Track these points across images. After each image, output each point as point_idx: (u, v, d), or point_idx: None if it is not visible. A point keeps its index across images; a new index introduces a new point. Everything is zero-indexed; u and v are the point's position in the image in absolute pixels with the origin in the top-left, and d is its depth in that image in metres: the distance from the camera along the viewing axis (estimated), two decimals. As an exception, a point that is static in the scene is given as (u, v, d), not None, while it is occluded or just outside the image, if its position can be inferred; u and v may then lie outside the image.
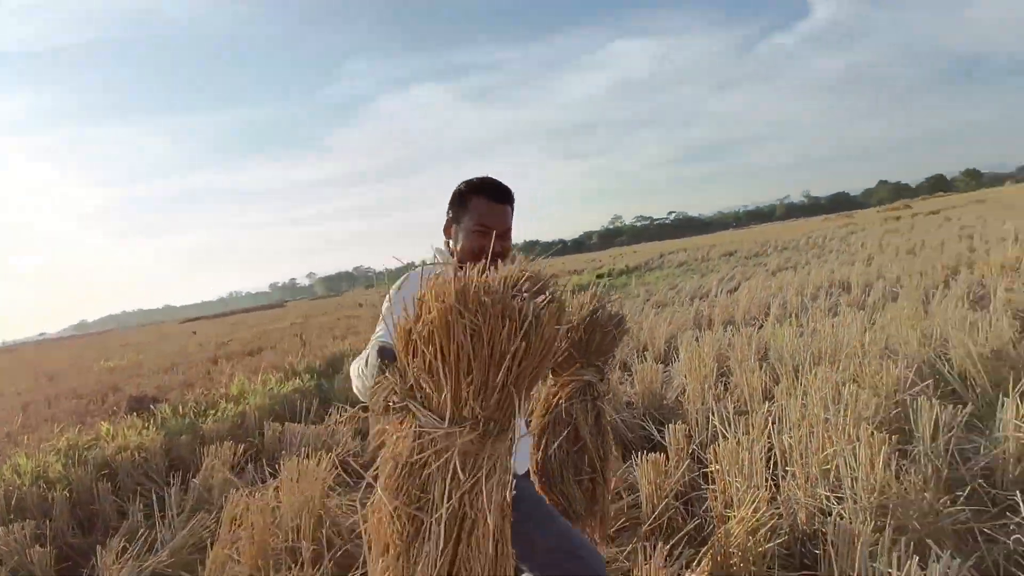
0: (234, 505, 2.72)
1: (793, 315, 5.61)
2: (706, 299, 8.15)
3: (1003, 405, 2.47)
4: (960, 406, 3.02)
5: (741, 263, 15.48)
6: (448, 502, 0.92)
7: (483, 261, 1.56)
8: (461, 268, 1.50)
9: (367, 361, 1.14)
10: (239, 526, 2.67)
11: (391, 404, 0.99)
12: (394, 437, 0.99)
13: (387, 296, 1.43)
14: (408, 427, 0.97)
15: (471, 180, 1.50)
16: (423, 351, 0.95)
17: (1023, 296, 4.89)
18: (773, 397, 3.18)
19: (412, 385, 0.98)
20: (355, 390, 1.27)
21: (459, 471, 0.92)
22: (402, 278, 1.50)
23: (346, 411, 4.59)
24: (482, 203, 1.47)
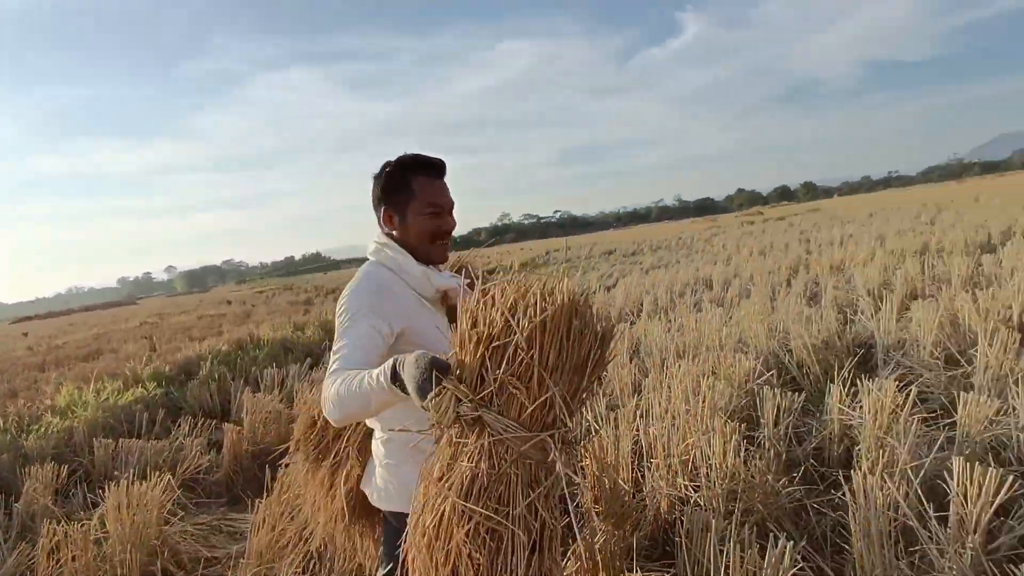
0: (49, 537, 2.30)
1: (663, 311, 5.97)
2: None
3: (829, 391, 2.76)
4: (797, 393, 3.35)
5: (619, 261, 16.37)
6: (533, 512, 0.92)
7: (447, 241, 1.39)
8: (417, 256, 1.35)
9: (377, 379, 1.02)
10: (58, 562, 2.28)
11: (462, 416, 0.94)
12: (467, 449, 0.95)
13: (344, 297, 1.28)
14: (479, 439, 0.94)
15: (403, 158, 1.35)
16: (520, 357, 0.92)
17: (846, 293, 5.60)
18: (642, 391, 3.31)
19: (485, 395, 0.94)
20: (333, 410, 1.12)
21: (540, 478, 0.93)
22: (359, 276, 1.33)
23: (199, 421, 4.14)
24: (427, 181, 1.35)
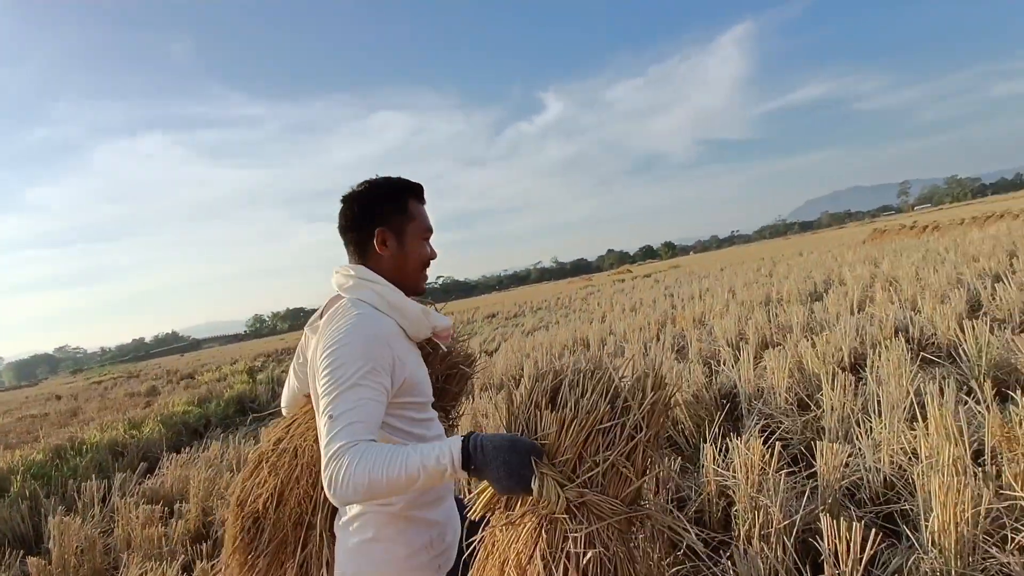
0: None
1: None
2: (469, 362, 8.27)
3: (703, 449, 2.76)
4: (675, 453, 3.34)
5: (502, 324, 16.48)
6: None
7: (425, 272, 1.27)
8: (405, 287, 1.20)
9: (438, 460, 0.92)
10: None
11: (571, 501, 0.90)
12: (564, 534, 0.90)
13: (335, 347, 1.05)
14: (578, 523, 0.90)
15: (392, 179, 1.22)
16: (632, 437, 0.93)
17: (708, 344, 5.96)
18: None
19: (588, 478, 0.93)
20: (354, 493, 0.92)
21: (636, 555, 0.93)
22: (351, 322, 1.08)
23: (6, 553, 3.21)
24: (418, 205, 1.24)
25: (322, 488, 0.95)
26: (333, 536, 1.22)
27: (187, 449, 5.75)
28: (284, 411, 1.42)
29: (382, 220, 1.19)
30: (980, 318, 4.48)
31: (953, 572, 1.66)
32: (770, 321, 6.19)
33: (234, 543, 1.27)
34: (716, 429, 3.04)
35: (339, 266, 1.22)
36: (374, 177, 1.22)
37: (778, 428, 3.38)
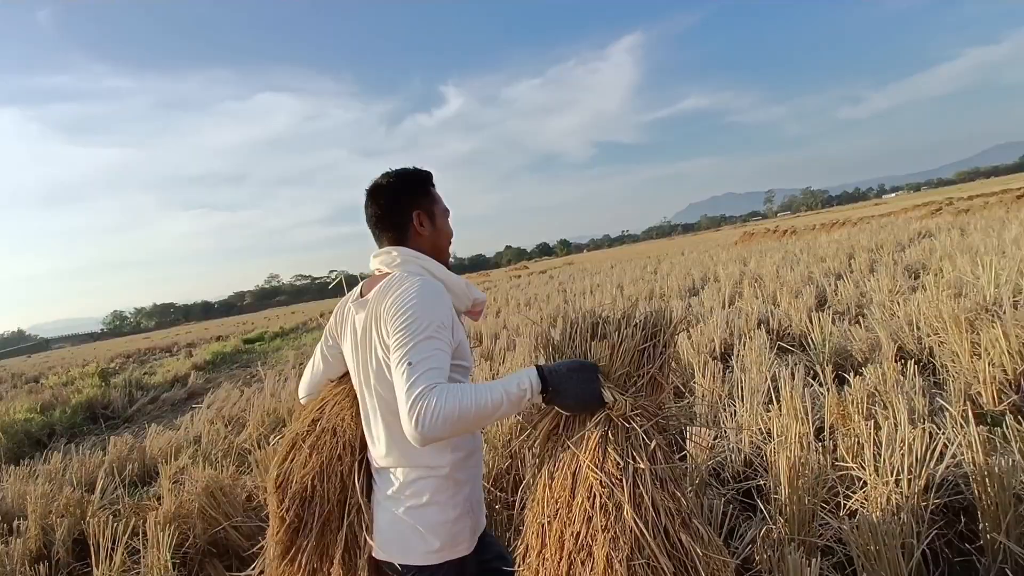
0: None
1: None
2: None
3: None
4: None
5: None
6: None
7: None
8: (441, 262, 1.31)
9: (519, 386, 1.07)
10: None
11: (632, 407, 1.09)
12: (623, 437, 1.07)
13: (409, 307, 1.14)
14: (640, 424, 1.08)
15: (412, 169, 1.35)
16: (662, 355, 1.17)
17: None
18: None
19: (637, 388, 1.12)
20: (443, 426, 1.01)
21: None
22: (419, 289, 1.17)
23: None
24: (436, 190, 1.38)
25: (360, 464, 1.14)
26: (369, 509, 1.30)
27: (27, 461, 5.14)
28: (303, 397, 1.46)
29: (417, 204, 1.31)
30: (825, 311, 5.04)
31: (795, 539, 1.82)
32: (652, 315, 6.58)
33: (283, 527, 1.29)
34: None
35: (378, 251, 1.31)
36: (391, 170, 1.33)
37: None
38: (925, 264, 6.89)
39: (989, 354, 3.29)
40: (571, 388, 1.08)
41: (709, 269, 11.74)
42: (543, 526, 1.08)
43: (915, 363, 3.38)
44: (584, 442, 1.08)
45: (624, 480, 1.02)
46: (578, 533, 1.02)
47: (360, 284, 1.34)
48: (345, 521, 1.29)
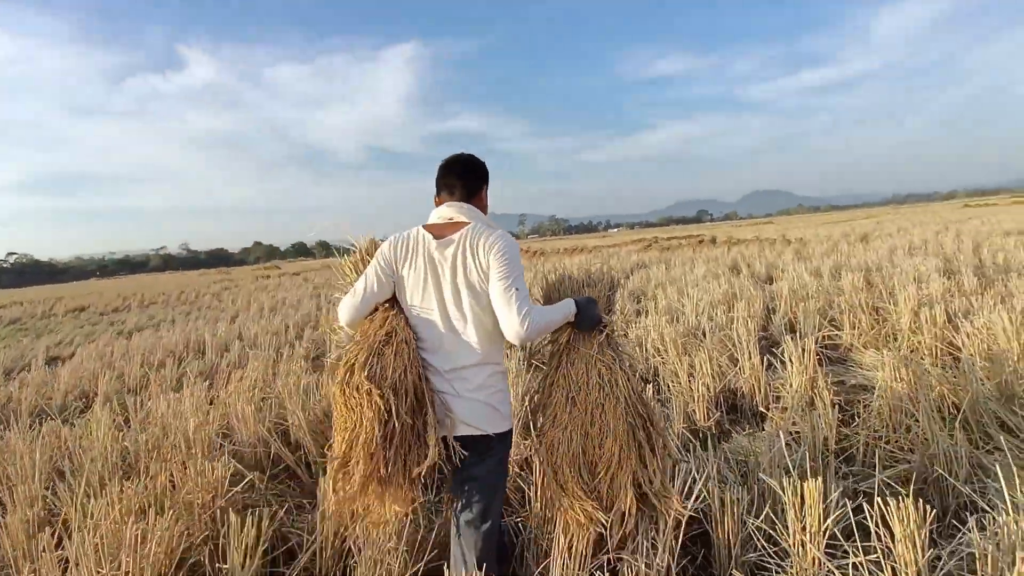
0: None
1: (132, 393, 4.51)
2: (29, 373, 5.83)
3: (321, 485, 2.30)
4: (292, 489, 2.77)
5: (93, 321, 12.75)
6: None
7: None
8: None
9: (564, 313, 1.68)
10: None
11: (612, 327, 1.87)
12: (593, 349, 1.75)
13: (509, 250, 1.61)
14: (614, 346, 1.83)
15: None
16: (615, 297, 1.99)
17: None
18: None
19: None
20: (535, 331, 1.55)
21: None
22: (510, 240, 1.65)
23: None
24: None
25: (425, 366, 1.61)
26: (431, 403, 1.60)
27: None
28: (350, 319, 1.71)
29: (486, 182, 1.82)
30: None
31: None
32: (411, 328, 6.25)
33: (375, 412, 1.49)
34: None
35: (449, 204, 1.70)
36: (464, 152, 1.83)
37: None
38: (644, 291, 8.02)
39: (701, 373, 3.76)
40: (589, 313, 1.71)
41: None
42: (571, 396, 1.68)
43: (643, 381, 3.69)
44: (593, 345, 1.72)
45: (618, 365, 1.70)
46: (593, 396, 1.65)
47: (422, 228, 1.70)
48: (428, 407, 1.57)
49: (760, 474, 1.86)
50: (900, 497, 1.46)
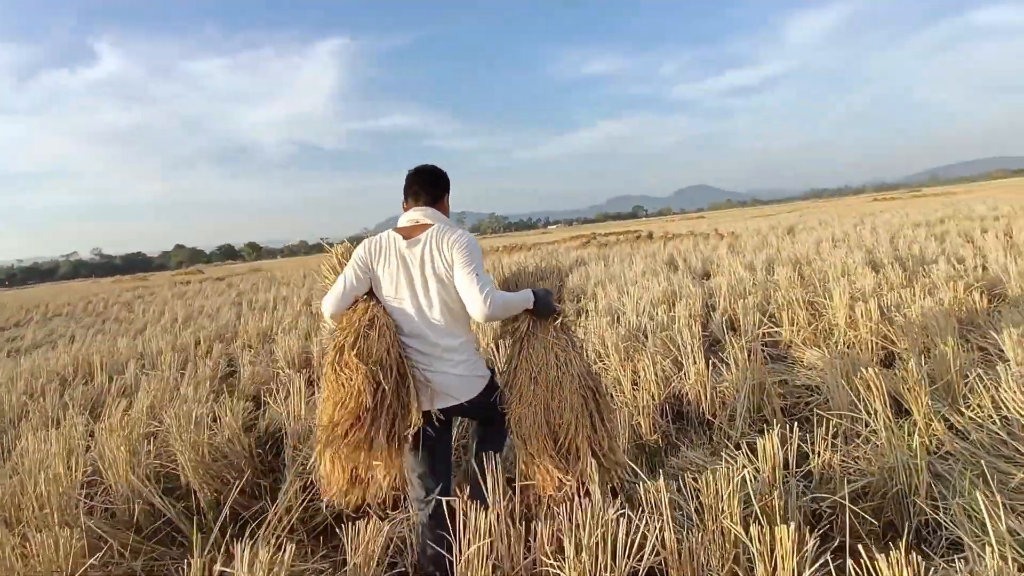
0: None
1: (12, 428, 3.83)
2: None
3: (212, 545, 1.88)
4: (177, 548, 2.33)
5: (-22, 338, 11.29)
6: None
7: None
8: None
9: (525, 298, 1.96)
10: None
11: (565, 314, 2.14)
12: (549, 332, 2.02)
13: (470, 243, 1.89)
14: (567, 331, 2.08)
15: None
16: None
17: (267, 368, 5.07)
18: None
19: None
20: (498, 312, 1.83)
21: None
22: (469, 236, 1.92)
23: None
24: None
25: (405, 348, 1.85)
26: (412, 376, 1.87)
27: None
28: (332, 311, 1.92)
29: (447, 190, 2.09)
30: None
31: None
32: (337, 338, 5.76)
33: (366, 384, 1.72)
34: (242, 499, 2.22)
35: (416, 209, 1.98)
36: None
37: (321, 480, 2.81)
38: (584, 289, 7.85)
39: (645, 381, 3.55)
40: (546, 302, 1.99)
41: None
42: (533, 376, 1.91)
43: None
44: (549, 330, 2.00)
45: (571, 347, 1.99)
46: (552, 374, 1.91)
47: (392, 231, 1.95)
48: (410, 380, 1.83)
49: (723, 520, 1.61)
50: (889, 551, 1.24)
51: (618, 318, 5.30)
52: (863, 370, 2.47)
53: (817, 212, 29.34)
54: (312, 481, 2.78)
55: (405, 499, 2.33)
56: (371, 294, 1.95)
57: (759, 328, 4.65)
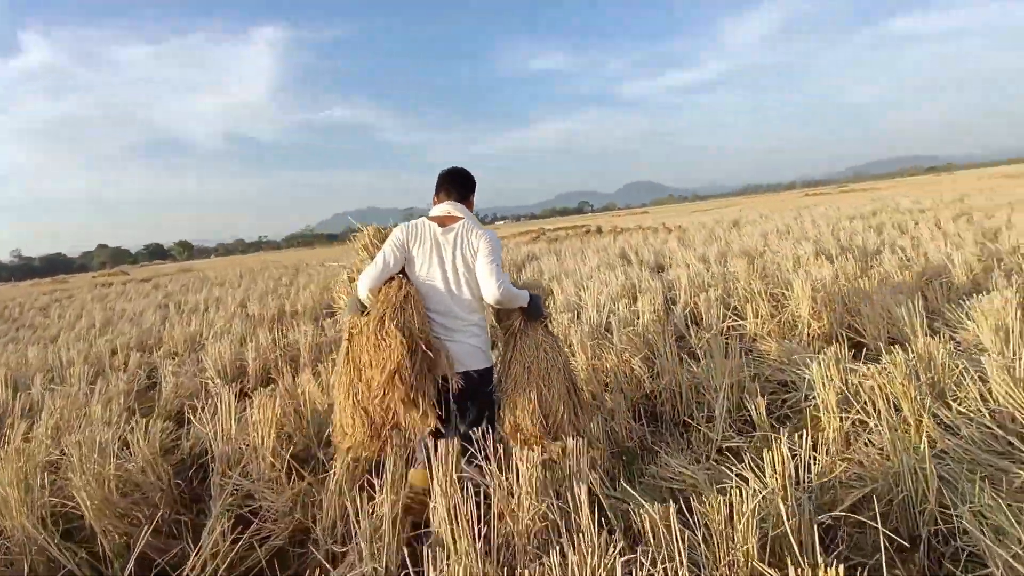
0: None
1: None
2: None
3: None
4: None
5: None
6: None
7: None
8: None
9: (521, 295, 2.25)
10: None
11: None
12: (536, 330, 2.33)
13: (493, 241, 2.22)
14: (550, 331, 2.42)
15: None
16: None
17: (193, 379, 4.54)
18: None
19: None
20: (506, 299, 2.17)
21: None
22: (492, 234, 2.25)
23: None
24: None
25: (430, 320, 2.15)
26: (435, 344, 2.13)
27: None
28: (368, 288, 2.15)
29: (474, 190, 2.39)
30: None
31: None
32: (276, 344, 5.26)
33: (402, 348, 1.96)
34: (155, 540, 1.81)
35: (448, 203, 2.27)
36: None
37: (259, 510, 2.41)
38: (539, 285, 7.60)
39: (616, 382, 3.32)
40: (538, 304, 2.28)
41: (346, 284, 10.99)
42: (527, 367, 2.18)
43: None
44: (538, 330, 2.27)
45: (557, 346, 2.29)
46: (542, 366, 2.18)
47: (426, 219, 2.25)
48: (438, 348, 2.09)
49: (737, 552, 1.36)
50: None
51: (579, 314, 5.07)
52: (860, 366, 2.30)
53: (755, 207, 30.38)
54: (244, 515, 2.39)
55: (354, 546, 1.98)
56: (403, 273, 2.20)
57: (723, 321, 4.52)
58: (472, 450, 1.96)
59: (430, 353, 2.02)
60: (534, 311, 2.25)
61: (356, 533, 1.91)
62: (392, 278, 2.15)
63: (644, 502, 1.61)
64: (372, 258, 2.23)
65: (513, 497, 1.82)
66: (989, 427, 2.31)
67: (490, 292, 2.10)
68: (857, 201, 22.26)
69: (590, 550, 1.33)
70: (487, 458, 1.91)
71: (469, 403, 2.16)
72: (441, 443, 1.91)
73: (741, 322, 4.51)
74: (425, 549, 1.55)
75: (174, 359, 5.34)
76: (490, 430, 2.03)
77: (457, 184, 2.31)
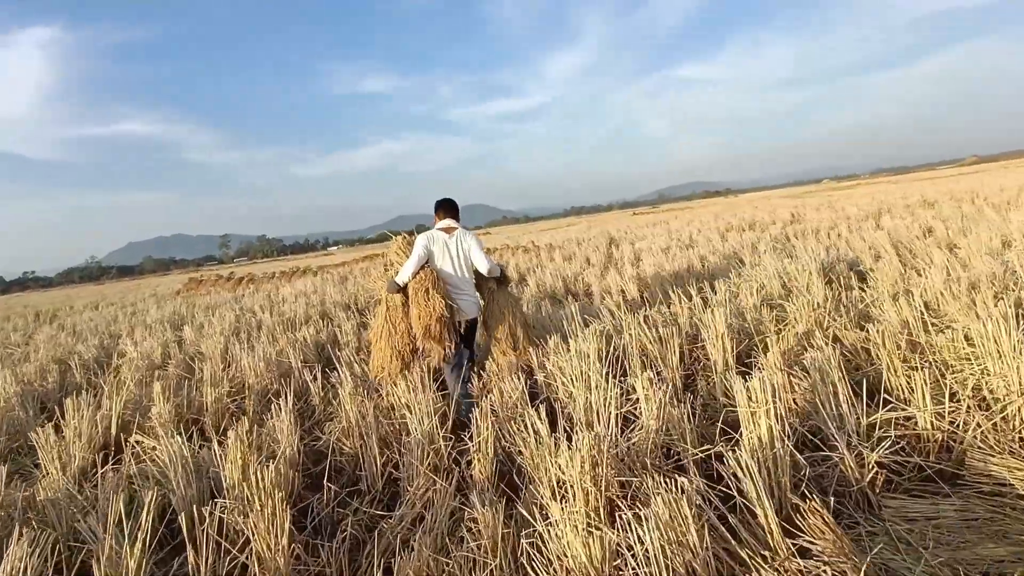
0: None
1: None
2: None
3: None
4: None
5: None
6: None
7: None
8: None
9: (501, 268, 4.20)
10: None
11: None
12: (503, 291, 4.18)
13: (478, 241, 3.94)
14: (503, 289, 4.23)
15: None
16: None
17: None
18: None
19: None
20: (496, 271, 4.03)
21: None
22: (477, 237, 4.03)
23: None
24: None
25: (448, 289, 3.83)
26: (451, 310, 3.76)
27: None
28: (413, 270, 3.70)
29: (458, 213, 4.05)
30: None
31: None
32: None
33: (441, 308, 3.57)
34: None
35: (448, 219, 3.94)
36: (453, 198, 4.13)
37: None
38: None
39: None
40: (506, 275, 4.13)
41: (128, 329, 8.53)
42: (501, 309, 4.01)
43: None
44: (504, 290, 4.09)
45: (514, 296, 4.20)
46: (511, 310, 4.04)
47: (435, 230, 3.88)
48: (455, 308, 3.75)
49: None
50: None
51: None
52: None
53: (594, 225, 31.96)
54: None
55: None
56: (426, 265, 3.76)
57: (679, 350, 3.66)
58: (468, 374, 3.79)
59: (453, 305, 3.72)
60: (503, 278, 4.09)
61: None
62: (424, 267, 3.74)
63: None
64: (407, 257, 3.88)
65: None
66: None
67: (484, 267, 3.86)
68: (683, 219, 24.20)
69: None
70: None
71: (468, 339, 3.93)
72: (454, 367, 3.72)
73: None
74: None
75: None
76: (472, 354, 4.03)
77: (450, 209, 3.97)
